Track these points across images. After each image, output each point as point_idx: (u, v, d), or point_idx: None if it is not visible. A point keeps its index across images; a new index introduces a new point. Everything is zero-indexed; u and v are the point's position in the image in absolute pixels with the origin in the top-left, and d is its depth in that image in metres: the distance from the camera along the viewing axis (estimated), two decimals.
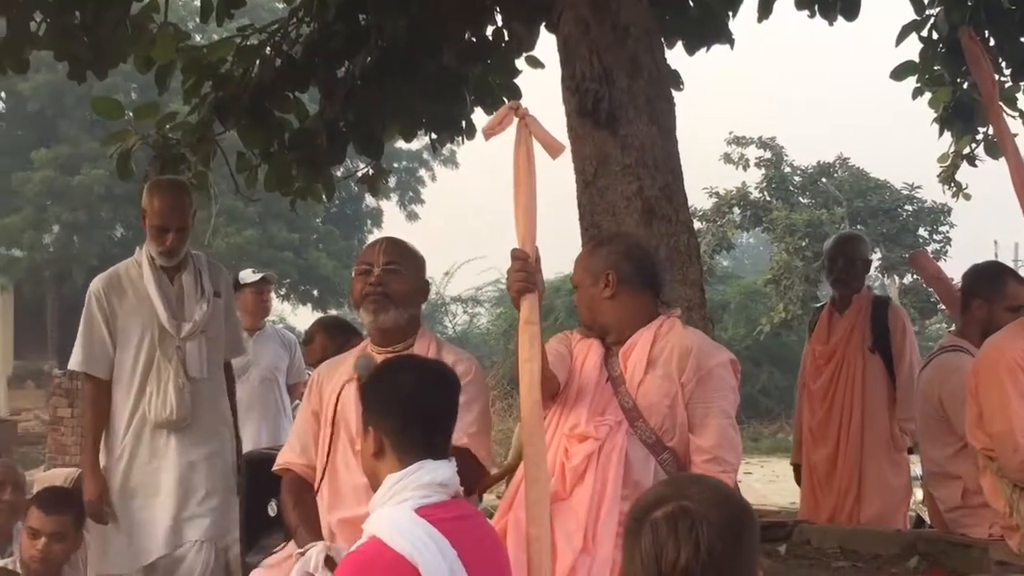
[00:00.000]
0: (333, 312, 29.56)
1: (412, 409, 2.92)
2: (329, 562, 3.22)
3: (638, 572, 1.93)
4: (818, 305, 6.63)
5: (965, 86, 6.65)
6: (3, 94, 31.05)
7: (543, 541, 3.08)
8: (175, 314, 5.02)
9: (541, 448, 3.24)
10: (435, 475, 2.86)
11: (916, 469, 6.22)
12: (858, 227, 26.60)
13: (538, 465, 3.19)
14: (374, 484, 2.94)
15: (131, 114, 5.99)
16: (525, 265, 3.29)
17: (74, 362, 5.07)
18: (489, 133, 3.34)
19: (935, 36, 6.41)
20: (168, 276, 5.05)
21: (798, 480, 6.42)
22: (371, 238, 32.03)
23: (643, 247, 4.02)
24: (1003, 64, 6.28)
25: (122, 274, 5.10)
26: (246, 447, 5.60)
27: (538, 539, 3.08)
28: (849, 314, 6.04)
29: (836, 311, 6.13)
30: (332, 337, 5.69)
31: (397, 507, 2.80)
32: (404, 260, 3.81)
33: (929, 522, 5.48)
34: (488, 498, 7.61)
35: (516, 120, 3.33)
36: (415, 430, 2.90)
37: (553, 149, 3.33)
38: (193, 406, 5.00)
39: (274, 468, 3.90)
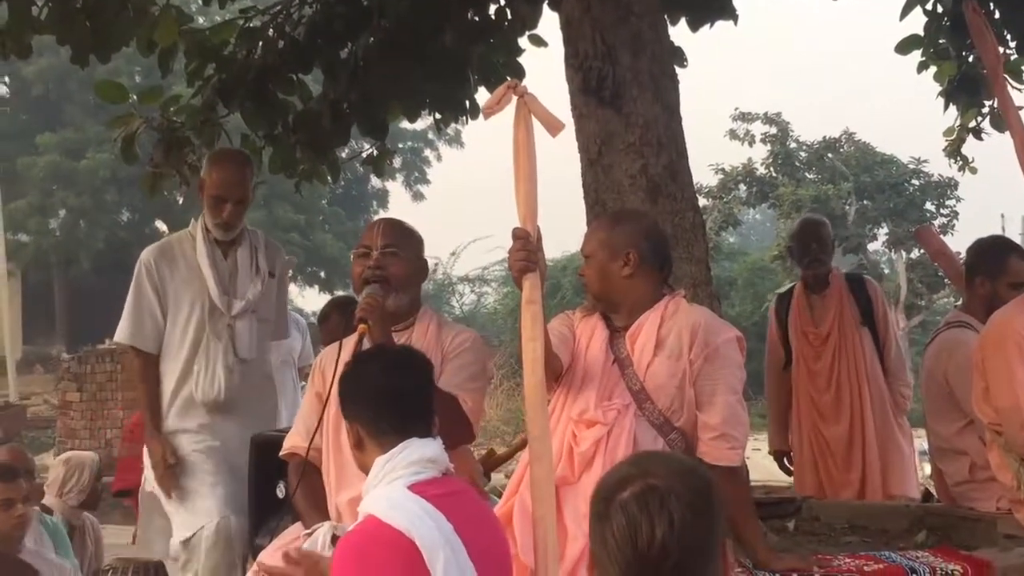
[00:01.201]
0: (340, 293, 29.60)
1: (379, 396, 2.97)
2: (336, 541, 3.23)
3: (613, 553, 1.94)
4: (781, 291, 6.61)
5: (971, 59, 6.61)
6: (7, 79, 31.10)
7: (548, 520, 3.09)
8: (226, 290, 4.82)
9: (545, 427, 3.24)
10: (423, 452, 2.90)
11: (920, 443, 6.26)
12: (865, 202, 26.56)
13: (542, 444, 3.19)
14: (366, 471, 2.97)
15: (135, 97, 5.98)
16: (526, 244, 3.28)
17: (121, 335, 4.87)
18: (488, 112, 3.33)
19: (940, 9, 6.38)
20: (222, 251, 4.87)
21: (783, 467, 6.42)
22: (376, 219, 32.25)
23: (660, 229, 4.05)
24: (1008, 37, 6.25)
25: (175, 245, 4.92)
26: None
27: (543, 518, 3.08)
28: (831, 294, 6.11)
29: (812, 292, 6.16)
30: (347, 316, 5.69)
31: (390, 485, 2.83)
32: (402, 242, 3.81)
33: (937, 496, 5.50)
34: (496, 477, 7.64)
35: (515, 99, 3.31)
36: (386, 416, 2.94)
37: (553, 127, 3.31)
38: (241, 388, 4.83)
39: (281, 453, 3.91)
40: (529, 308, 3.26)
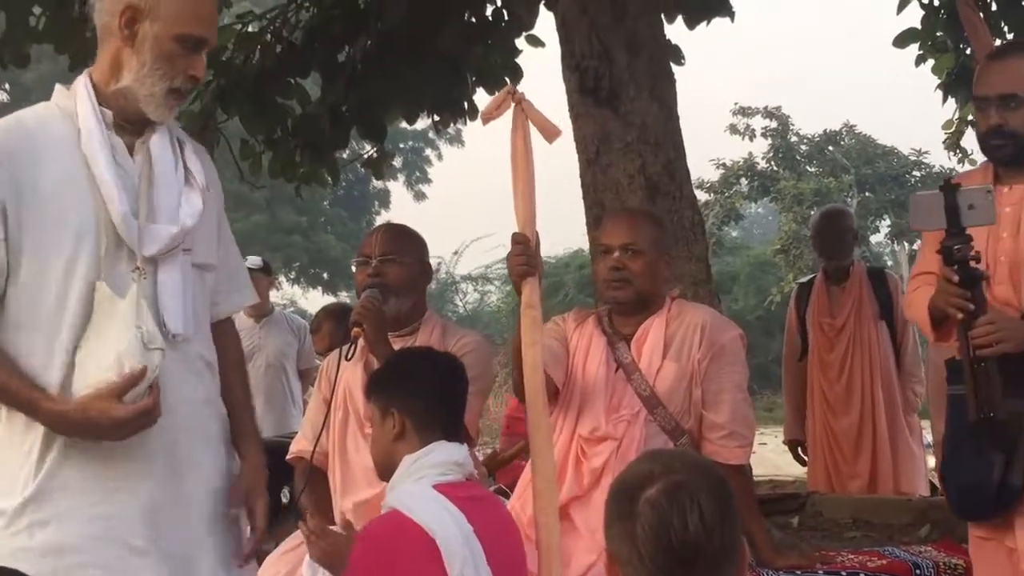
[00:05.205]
0: (344, 295, 29.66)
1: (436, 390, 3.02)
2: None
3: (644, 550, 1.93)
4: (803, 280, 6.62)
5: (968, 52, 6.61)
6: (7, 86, 31.11)
7: (552, 524, 3.08)
8: (135, 211, 2.61)
9: (547, 431, 3.24)
10: (450, 454, 2.93)
11: (925, 436, 6.26)
12: (866, 194, 26.58)
13: (544, 448, 3.19)
14: (387, 468, 3.00)
15: None
16: (526, 249, 3.27)
17: None
18: (487, 118, 3.34)
19: (936, 3, 6.38)
20: (125, 144, 2.68)
21: (797, 457, 6.43)
22: (379, 219, 32.22)
23: None
24: (1005, 29, 6.24)
25: (39, 122, 2.67)
26: None
27: (546, 524, 3.08)
28: (850, 286, 6.08)
29: (832, 283, 6.16)
30: (339, 324, 5.71)
31: (415, 483, 2.87)
32: (401, 248, 3.80)
33: (941, 490, 5.51)
34: None
35: (513, 105, 3.32)
36: (438, 410, 3.00)
37: (549, 133, 3.32)
38: (169, 389, 2.58)
39: (288, 457, 3.92)
40: (528, 312, 3.26)
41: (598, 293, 3.91)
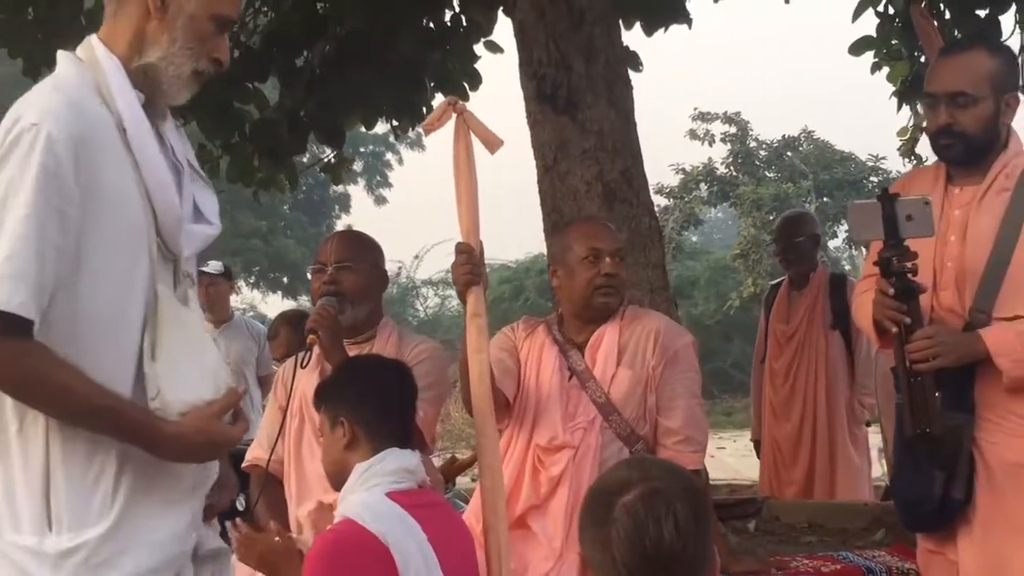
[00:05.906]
0: (304, 299, 29.52)
1: (384, 398, 3.01)
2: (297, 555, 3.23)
3: (620, 555, 1.94)
4: (774, 283, 6.66)
5: (923, 60, 6.66)
6: None
7: (500, 529, 3.09)
8: None
9: (494, 438, 3.25)
10: (402, 462, 2.93)
11: (877, 440, 6.31)
12: (824, 199, 26.74)
13: (492, 455, 3.20)
14: (339, 477, 2.99)
15: None
16: (470, 258, 3.29)
17: (13, 299, 2.12)
18: (428, 129, 3.35)
19: (891, 11, 6.42)
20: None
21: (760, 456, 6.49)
22: (339, 224, 32.07)
23: None
24: (958, 36, 6.29)
25: (86, 102, 2.31)
26: None
27: (494, 528, 3.09)
28: (808, 292, 6.11)
29: (794, 289, 6.18)
30: (296, 331, 5.69)
31: (368, 491, 2.86)
32: (356, 255, 3.79)
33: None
34: (463, 480, 7.65)
35: (455, 116, 3.33)
36: (388, 418, 2.98)
37: (491, 144, 3.33)
38: None
39: (243, 465, 3.90)
40: (474, 321, 3.27)
41: (559, 299, 3.89)
